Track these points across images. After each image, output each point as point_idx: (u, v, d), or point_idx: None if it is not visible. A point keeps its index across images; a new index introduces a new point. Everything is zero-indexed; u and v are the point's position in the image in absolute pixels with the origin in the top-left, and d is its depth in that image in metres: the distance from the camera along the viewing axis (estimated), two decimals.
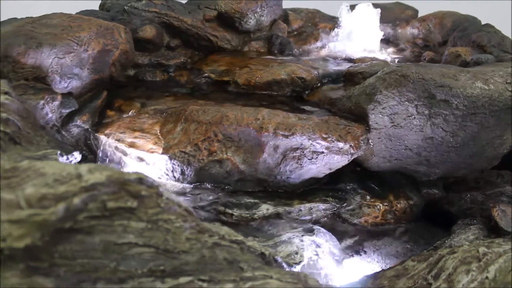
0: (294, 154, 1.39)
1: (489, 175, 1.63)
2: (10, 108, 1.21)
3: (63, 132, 1.51)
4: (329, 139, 1.37)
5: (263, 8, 2.06)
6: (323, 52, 2.10)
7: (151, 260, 0.90)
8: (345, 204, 1.57)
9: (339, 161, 1.43)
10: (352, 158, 1.46)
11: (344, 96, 1.54)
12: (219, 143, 1.39)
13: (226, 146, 1.39)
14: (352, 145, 1.40)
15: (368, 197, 1.61)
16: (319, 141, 1.36)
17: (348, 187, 1.62)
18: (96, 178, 0.86)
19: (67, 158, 1.31)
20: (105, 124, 1.57)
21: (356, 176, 1.66)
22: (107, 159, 1.46)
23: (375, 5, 2.45)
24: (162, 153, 1.41)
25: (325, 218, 1.60)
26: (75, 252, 0.84)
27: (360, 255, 1.54)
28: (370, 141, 1.50)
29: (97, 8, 2.00)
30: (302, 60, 1.92)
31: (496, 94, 1.37)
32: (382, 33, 2.14)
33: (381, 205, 1.60)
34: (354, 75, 1.65)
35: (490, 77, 1.40)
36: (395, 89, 1.39)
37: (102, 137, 1.48)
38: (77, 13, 1.88)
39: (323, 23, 2.35)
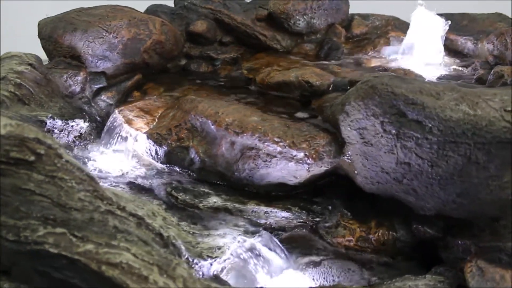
0: (250, 154, 1.38)
1: (503, 226, 1.31)
2: (26, 76, 1.53)
3: (93, 104, 1.80)
4: (281, 143, 1.32)
5: (313, 11, 2.01)
6: (374, 62, 1.94)
7: (46, 209, 1.05)
8: (319, 218, 1.48)
9: (297, 169, 1.35)
10: (315, 169, 1.36)
11: (329, 104, 1.44)
12: (187, 131, 1.48)
13: (193, 135, 1.47)
14: (307, 154, 1.31)
15: (347, 217, 1.48)
16: (269, 143, 1.33)
17: (330, 202, 1.51)
18: None
19: (66, 123, 1.58)
20: (127, 102, 1.80)
21: (347, 193, 1.53)
22: (113, 130, 1.68)
23: (463, 15, 2.13)
24: (144, 133, 1.56)
25: (304, 230, 1.53)
26: None
27: (315, 275, 1.43)
28: (348, 154, 1.37)
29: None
30: (332, 66, 1.83)
31: (483, 122, 1.11)
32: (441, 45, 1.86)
33: (357, 229, 1.45)
34: (355, 84, 1.51)
35: (484, 100, 1.13)
36: (362, 101, 1.24)
37: (115, 111, 1.72)
38: (148, 7, 2.17)
39: (396, 31, 2.14)
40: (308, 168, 1.35)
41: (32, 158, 1.06)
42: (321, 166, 1.36)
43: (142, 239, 1.14)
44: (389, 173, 1.32)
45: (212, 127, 1.39)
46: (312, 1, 2.00)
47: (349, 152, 1.38)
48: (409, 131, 1.20)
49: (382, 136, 1.24)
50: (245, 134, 1.34)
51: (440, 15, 2.08)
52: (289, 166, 1.35)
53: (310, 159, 1.32)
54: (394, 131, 1.22)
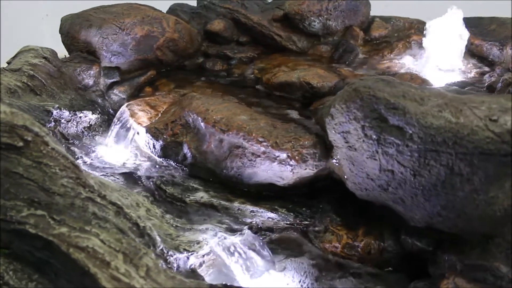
0: (237, 152, 1.38)
1: (496, 245, 1.22)
2: (40, 69, 1.63)
3: (106, 98, 1.88)
4: (264, 143, 1.31)
5: (329, 12, 1.97)
6: (386, 65, 1.88)
7: (32, 192, 1.13)
8: (307, 222, 1.46)
9: (281, 170, 1.34)
10: (299, 171, 1.34)
11: (322, 106, 1.42)
12: (181, 127, 1.51)
13: (186, 131, 1.50)
14: (290, 155, 1.30)
15: (336, 223, 1.44)
16: (253, 143, 1.32)
17: (321, 206, 1.48)
18: None
19: (74, 114, 1.67)
20: (139, 97, 1.87)
21: (341, 198, 1.50)
22: (119, 123, 1.75)
23: (492, 19, 2.00)
24: (144, 126, 1.62)
25: (295, 233, 1.52)
26: None
27: (296, 278, 1.41)
28: (337, 158, 1.34)
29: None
30: (341, 68, 1.78)
31: (464, 131, 1.04)
32: (463, 49, 1.75)
33: (345, 235, 1.41)
34: None
35: (469, 108, 1.06)
36: (344, 104, 1.21)
37: (124, 105, 1.79)
38: (170, 5, 2.24)
39: (420, 35, 2.05)
40: (292, 169, 1.33)
41: (21, 144, 1.13)
42: (306, 169, 1.34)
43: (119, 227, 1.18)
44: (374, 180, 1.27)
45: (202, 124, 1.42)
46: (328, 2, 1.97)
47: (337, 156, 1.35)
48: (390, 137, 1.15)
49: (364, 141, 1.20)
50: (230, 133, 1.35)
51: (469, 18, 1.98)
52: (273, 167, 1.34)
53: (293, 160, 1.31)
54: (374, 136, 1.17)
